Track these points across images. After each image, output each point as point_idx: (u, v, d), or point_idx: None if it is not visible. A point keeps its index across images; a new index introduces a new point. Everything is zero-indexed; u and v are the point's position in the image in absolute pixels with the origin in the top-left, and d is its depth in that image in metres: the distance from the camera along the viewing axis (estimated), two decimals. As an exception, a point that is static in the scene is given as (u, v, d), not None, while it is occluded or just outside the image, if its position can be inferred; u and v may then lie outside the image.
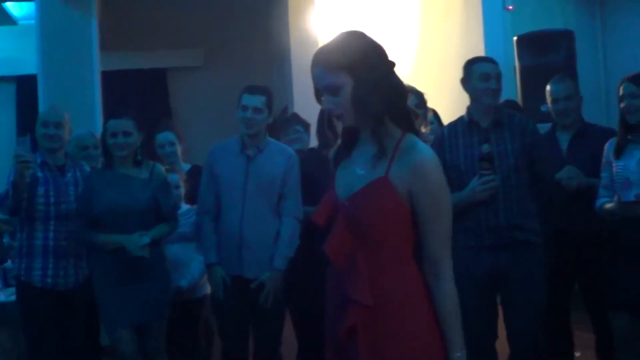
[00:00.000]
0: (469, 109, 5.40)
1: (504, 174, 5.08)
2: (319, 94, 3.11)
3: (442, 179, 3.01)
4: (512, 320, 5.20)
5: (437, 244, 2.99)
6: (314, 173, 5.77)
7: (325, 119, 5.88)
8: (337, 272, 3.09)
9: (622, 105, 5.29)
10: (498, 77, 5.32)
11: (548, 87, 6.10)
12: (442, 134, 5.43)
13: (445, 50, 10.28)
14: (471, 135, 5.27)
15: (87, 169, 6.04)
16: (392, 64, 3.13)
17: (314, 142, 6.45)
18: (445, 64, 10.29)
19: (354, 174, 3.09)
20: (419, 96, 5.83)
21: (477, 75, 5.30)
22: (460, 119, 5.44)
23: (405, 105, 3.15)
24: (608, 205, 5.21)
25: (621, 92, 5.30)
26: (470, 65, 5.38)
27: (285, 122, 7.01)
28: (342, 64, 2.99)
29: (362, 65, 3.00)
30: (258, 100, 5.70)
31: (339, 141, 3.26)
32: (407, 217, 2.98)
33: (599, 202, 5.33)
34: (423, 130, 5.85)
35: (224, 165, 5.79)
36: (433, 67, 10.61)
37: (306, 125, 6.87)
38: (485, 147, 5.03)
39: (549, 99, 6.07)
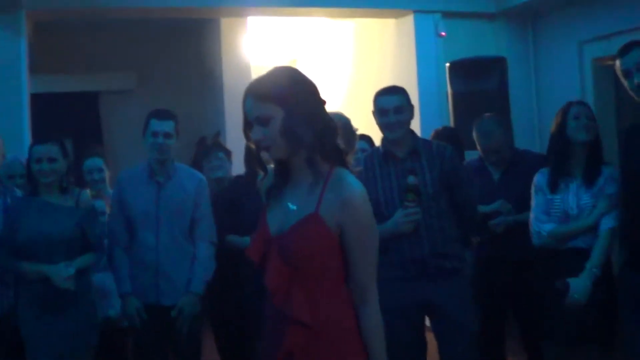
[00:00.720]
0: (382, 140, 5.35)
1: (424, 204, 5.04)
2: (248, 126, 3.17)
3: (369, 210, 3.12)
4: (446, 349, 5.16)
5: (364, 271, 3.11)
6: (240, 200, 5.74)
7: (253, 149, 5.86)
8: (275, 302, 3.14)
9: (573, 124, 5.23)
10: (397, 109, 5.20)
11: (475, 134, 6.09)
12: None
13: (379, 76, 10.27)
14: (387, 166, 5.22)
15: (19, 194, 5.86)
16: (323, 102, 3.20)
17: (238, 169, 6.45)
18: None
19: (286, 209, 3.16)
20: (344, 124, 5.74)
21: (376, 110, 5.29)
22: (376, 149, 5.42)
23: (335, 141, 3.19)
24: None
25: (573, 112, 5.26)
26: (374, 100, 5.37)
27: (208, 149, 7.00)
28: (274, 95, 3.05)
29: (293, 98, 3.06)
30: (167, 125, 5.69)
31: (269, 174, 3.29)
32: (337, 248, 3.08)
33: (543, 227, 5.25)
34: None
35: (134, 193, 5.74)
36: (367, 94, 10.60)
37: (227, 152, 6.85)
38: (412, 179, 4.98)
39: (478, 146, 6.05)
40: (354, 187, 3.10)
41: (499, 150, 5.93)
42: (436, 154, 5.22)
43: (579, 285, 4.96)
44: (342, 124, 5.56)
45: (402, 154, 5.20)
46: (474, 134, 6.03)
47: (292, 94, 3.07)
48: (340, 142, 3.23)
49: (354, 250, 3.08)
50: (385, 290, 4.36)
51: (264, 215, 3.26)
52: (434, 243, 5.07)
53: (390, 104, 5.21)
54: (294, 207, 3.13)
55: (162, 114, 5.73)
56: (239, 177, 6.22)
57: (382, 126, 5.23)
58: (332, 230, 3.05)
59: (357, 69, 11.20)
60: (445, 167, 5.17)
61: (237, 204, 5.76)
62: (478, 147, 6.03)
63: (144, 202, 5.67)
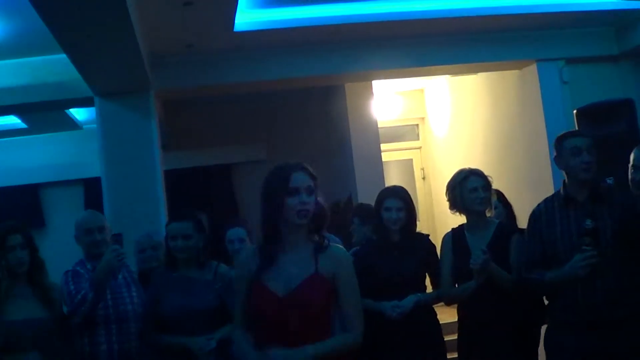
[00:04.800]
0: (564, 183, 5.23)
1: (601, 250, 4.86)
2: (289, 193, 3.96)
3: (352, 262, 4.19)
4: None
5: (352, 306, 4.06)
6: (374, 264, 5.74)
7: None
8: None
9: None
10: (590, 149, 5.11)
11: (633, 154, 5.62)
12: (539, 208, 5.30)
13: (506, 127, 10.25)
14: (567, 210, 5.11)
15: (133, 269, 6.06)
16: None
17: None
18: (506, 143, 10.25)
19: (289, 274, 3.98)
20: (485, 177, 5.74)
21: (568, 150, 5.14)
22: (557, 193, 5.28)
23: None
24: None
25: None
26: (561, 142, 5.23)
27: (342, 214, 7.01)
28: (315, 177, 4.06)
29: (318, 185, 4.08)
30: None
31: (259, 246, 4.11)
32: (332, 294, 4.02)
33: None
34: (488, 214, 5.81)
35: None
36: (495, 146, 10.58)
37: (363, 218, 6.86)
38: (589, 223, 4.85)
39: (630, 168, 5.60)
40: (341, 248, 4.25)
41: None
42: (618, 200, 5.12)
43: None
44: (483, 180, 5.66)
45: (582, 198, 5.11)
46: (632, 156, 5.61)
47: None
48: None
49: (345, 292, 4.02)
50: (560, 334, 5.06)
51: (259, 283, 4.01)
52: (608, 290, 4.88)
53: (585, 143, 5.12)
54: (296, 270, 3.98)
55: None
56: (370, 240, 6.22)
57: (576, 167, 5.09)
58: (329, 281, 3.98)
59: (482, 121, 11.19)
60: (627, 214, 5.03)
61: (371, 267, 5.74)
62: (630, 167, 5.62)
63: None
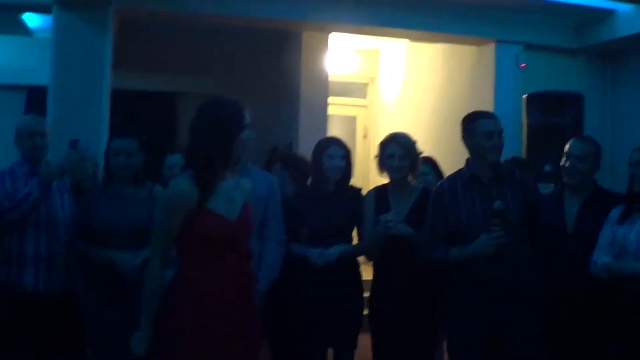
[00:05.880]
0: (469, 163, 5.34)
1: (508, 230, 5.02)
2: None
3: None
4: None
5: None
6: (304, 209, 5.81)
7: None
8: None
9: (630, 172, 5.27)
10: (500, 133, 5.24)
11: (568, 143, 5.74)
12: (442, 186, 5.39)
13: (456, 102, 10.31)
14: (472, 190, 5.22)
15: (67, 179, 5.93)
16: None
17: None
18: (453, 116, 10.33)
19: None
20: (405, 146, 5.73)
21: (480, 132, 5.21)
22: (459, 172, 5.39)
23: None
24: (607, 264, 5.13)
25: (630, 159, 5.28)
26: (472, 122, 5.29)
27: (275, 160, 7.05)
28: None
29: None
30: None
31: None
32: None
33: (600, 258, 5.17)
34: (409, 180, 5.80)
35: None
36: (442, 117, 10.66)
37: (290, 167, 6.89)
38: (498, 204, 5.00)
39: (564, 155, 5.69)
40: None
41: (581, 158, 5.62)
42: (520, 182, 5.27)
43: None
44: (409, 145, 5.67)
45: (486, 178, 5.22)
46: (565, 151, 5.71)
47: None
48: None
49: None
50: (463, 309, 5.14)
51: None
52: (512, 268, 5.06)
53: (497, 127, 5.24)
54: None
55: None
56: (304, 187, 6.26)
57: (488, 149, 5.19)
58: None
59: (433, 91, 11.27)
60: (529, 196, 5.22)
61: (302, 213, 5.81)
62: (564, 166, 5.69)
63: None
